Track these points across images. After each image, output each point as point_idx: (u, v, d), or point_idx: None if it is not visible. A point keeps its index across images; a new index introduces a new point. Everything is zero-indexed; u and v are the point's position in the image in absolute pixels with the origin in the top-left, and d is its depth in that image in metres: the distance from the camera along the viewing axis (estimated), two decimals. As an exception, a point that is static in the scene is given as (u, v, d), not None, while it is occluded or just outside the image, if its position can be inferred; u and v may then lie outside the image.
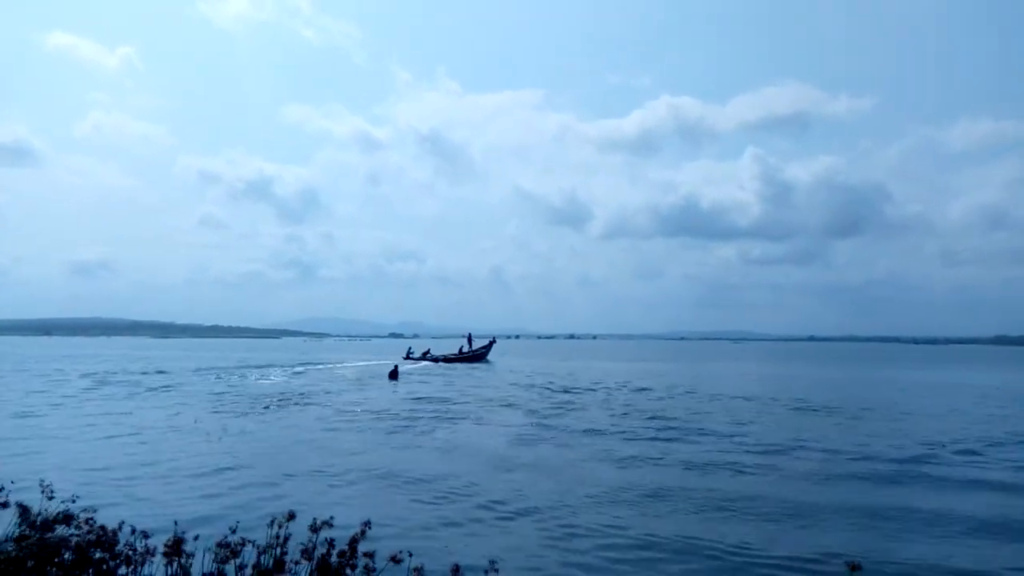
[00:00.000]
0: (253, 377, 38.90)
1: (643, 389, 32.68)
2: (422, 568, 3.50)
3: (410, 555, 3.67)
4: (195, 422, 19.60)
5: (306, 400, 25.99)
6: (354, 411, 22.43)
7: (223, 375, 40.31)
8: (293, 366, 51.12)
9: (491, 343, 67.18)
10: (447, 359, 61.57)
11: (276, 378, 38.28)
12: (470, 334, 67.52)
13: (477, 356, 64.02)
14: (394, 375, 38.31)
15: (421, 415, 21.52)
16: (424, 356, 62.60)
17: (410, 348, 67.50)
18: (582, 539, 8.80)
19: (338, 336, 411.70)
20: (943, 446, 16.23)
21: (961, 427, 19.86)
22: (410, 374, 42.69)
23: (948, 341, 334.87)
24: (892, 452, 15.38)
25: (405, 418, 20.77)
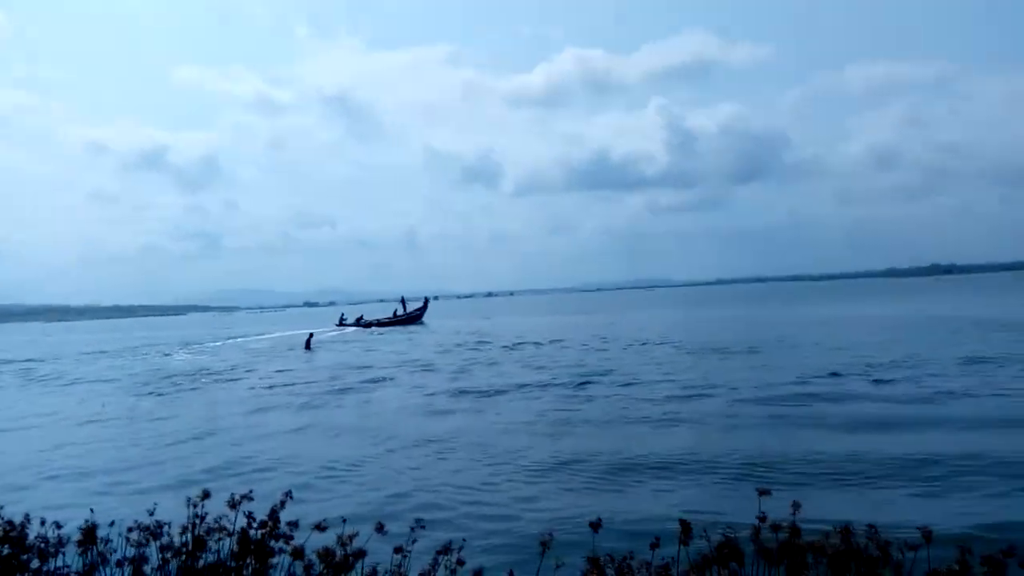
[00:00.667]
0: (154, 357, 37.40)
1: (557, 341, 33.60)
2: (356, 534, 3.56)
3: (344, 521, 3.74)
4: (103, 406, 18.85)
5: (214, 378, 25.26)
6: (266, 386, 21.96)
7: (124, 356, 38.53)
8: (201, 342, 49.39)
9: (424, 305, 67.02)
10: (380, 323, 61.37)
11: (181, 357, 36.84)
12: (403, 297, 67.06)
13: (412, 318, 63.97)
14: (308, 345, 37.66)
15: (334, 386, 21.13)
16: (358, 321, 62.25)
17: (343, 314, 66.73)
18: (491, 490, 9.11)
19: (249, 308, 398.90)
20: (834, 374, 17.53)
21: (848, 357, 21.39)
22: (328, 343, 42.06)
23: (845, 276, 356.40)
24: (782, 383, 16.54)
25: (318, 392, 20.09)
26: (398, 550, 3.54)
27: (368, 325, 60.69)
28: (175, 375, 26.72)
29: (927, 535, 3.14)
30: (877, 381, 16.30)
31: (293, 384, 21.79)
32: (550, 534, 3.45)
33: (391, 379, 21.90)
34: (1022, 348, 21.15)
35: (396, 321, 62.57)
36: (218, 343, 48.77)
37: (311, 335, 40.11)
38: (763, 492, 3.69)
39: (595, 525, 3.50)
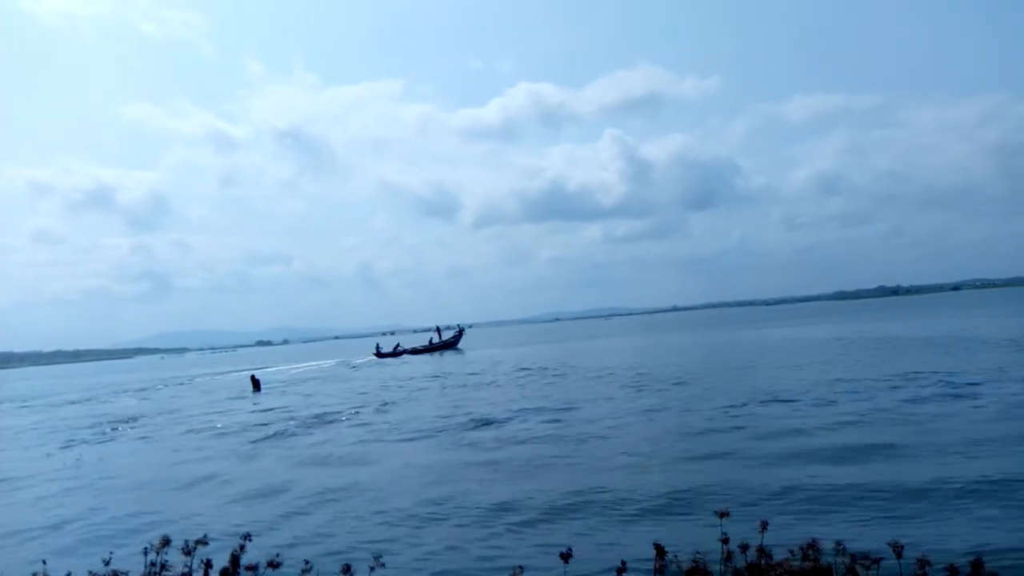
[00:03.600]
0: (95, 403, 36.08)
1: (524, 369, 33.52)
2: (310, 567, 3.46)
3: (306, 563, 3.62)
4: (47, 456, 18.05)
5: (155, 421, 24.43)
6: (209, 428, 21.29)
7: (60, 407, 37.05)
8: (143, 387, 47.90)
9: (460, 333, 71.39)
10: (416, 351, 64.94)
11: (124, 402, 35.53)
12: (438, 327, 70.30)
13: (447, 344, 68.24)
14: (256, 386, 36.19)
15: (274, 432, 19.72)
16: (395, 351, 64.95)
17: (378, 344, 69.05)
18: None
19: (200, 349, 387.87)
20: (772, 396, 17.86)
21: (794, 379, 21.83)
22: (283, 383, 41.14)
23: (795, 300, 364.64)
24: (720, 405, 16.76)
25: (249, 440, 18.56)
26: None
27: (406, 352, 64.03)
28: (134, 417, 25.80)
29: (898, 550, 3.19)
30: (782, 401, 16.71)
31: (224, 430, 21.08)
32: (520, 567, 3.40)
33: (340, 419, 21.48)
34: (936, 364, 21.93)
35: (432, 348, 66.48)
36: (165, 385, 47.32)
37: (253, 376, 38.52)
38: (723, 514, 3.72)
39: (565, 556, 3.47)
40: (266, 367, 66.94)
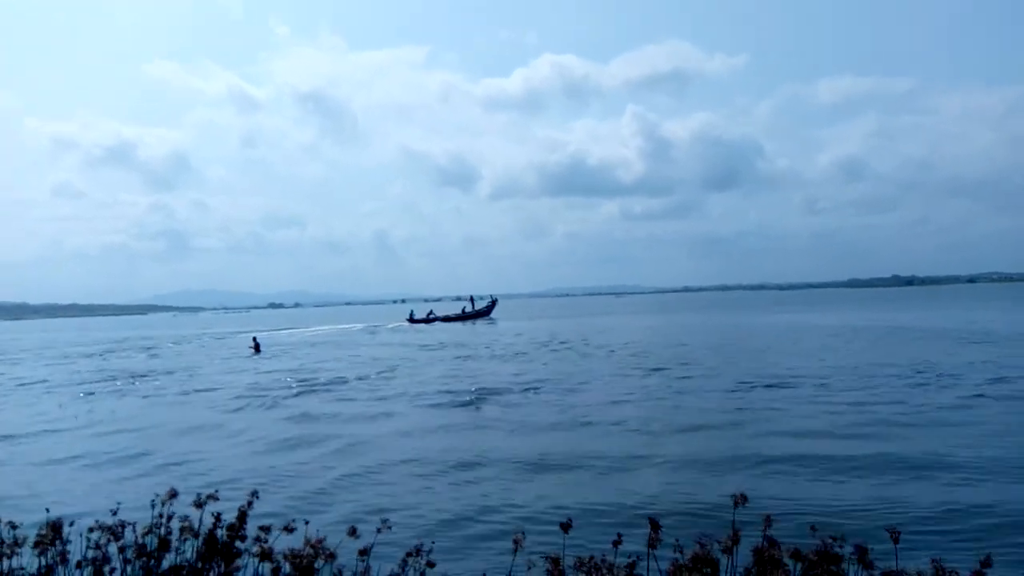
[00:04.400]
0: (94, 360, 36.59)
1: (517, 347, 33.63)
2: (324, 538, 3.51)
3: (306, 523, 3.68)
4: (60, 406, 18.39)
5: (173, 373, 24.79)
6: (225, 388, 21.56)
7: (67, 360, 37.61)
8: (157, 344, 48.51)
9: (492, 303, 73.31)
10: (448, 318, 67.03)
11: (121, 359, 35.90)
12: (471, 296, 72.90)
13: (479, 314, 70.37)
14: (257, 348, 36.39)
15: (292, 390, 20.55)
16: (428, 317, 67.32)
17: (412, 311, 71.05)
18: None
19: (214, 309, 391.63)
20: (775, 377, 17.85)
21: (795, 362, 21.79)
22: (277, 345, 41.57)
23: (808, 286, 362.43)
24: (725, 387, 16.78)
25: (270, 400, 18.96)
26: (364, 552, 3.49)
27: (439, 319, 66.29)
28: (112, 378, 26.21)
29: (895, 536, 3.20)
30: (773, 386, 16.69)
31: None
32: (522, 532, 3.44)
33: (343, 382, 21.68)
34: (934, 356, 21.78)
35: (464, 317, 68.39)
36: (184, 342, 47.91)
37: (255, 339, 38.74)
38: (739, 501, 3.70)
39: (565, 526, 3.48)
40: (283, 328, 68.01)
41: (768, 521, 3.53)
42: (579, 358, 27.09)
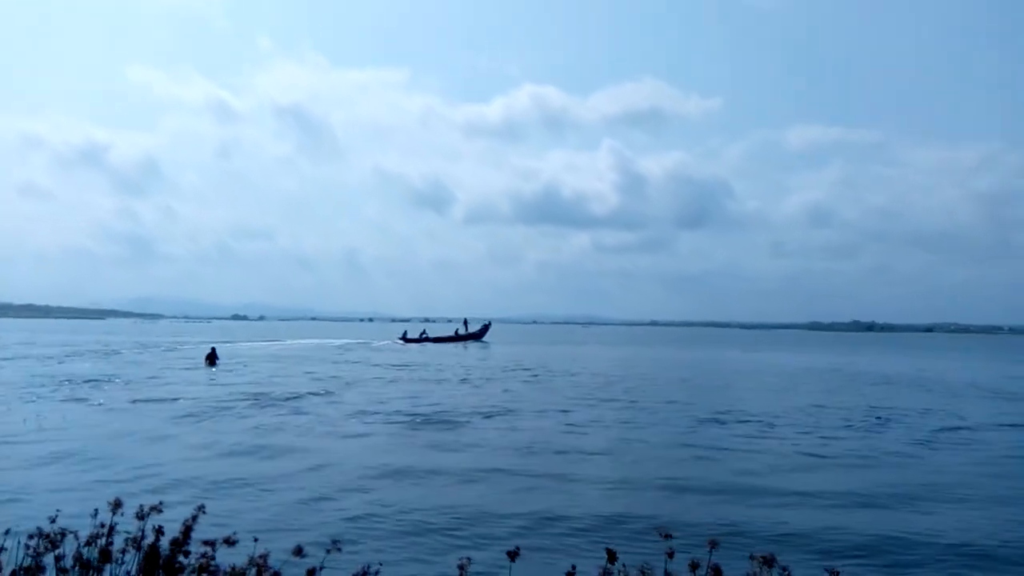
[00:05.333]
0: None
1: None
2: (267, 554, 3.48)
3: (255, 540, 3.64)
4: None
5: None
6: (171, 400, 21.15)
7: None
8: (109, 350, 47.40)
9: (486, 326, 73.80)
10: (441, 339, 67.19)
11: (63, 365, 34.76)
12: (465, 319, 73.98)
13: (473, 336, 70.50)
14: (212, 360, 34.83)
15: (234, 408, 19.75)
16: (420, 337, 66.98)
17: (405, 331, 71.37)
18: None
19: (174, 317, 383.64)
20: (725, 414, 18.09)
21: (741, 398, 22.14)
22: (238, 357, 40.89)
23: (772, 326, 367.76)
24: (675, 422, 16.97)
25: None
26: (311, 573, 3.47)
27: (431, 340, 66.36)
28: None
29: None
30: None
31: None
32: (468, 559, 3.45)
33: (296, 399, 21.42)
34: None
35: (458, 338, 68.43)
36: (136, 351, 46.85)
37: (213, 349, 37.10)
38: (665, 535, 3.76)
39: (512, 554, 3.51)
40: (257, 340, 67.16)
41: (713, 544, 3.61)
42: (553, 386, 27.13)
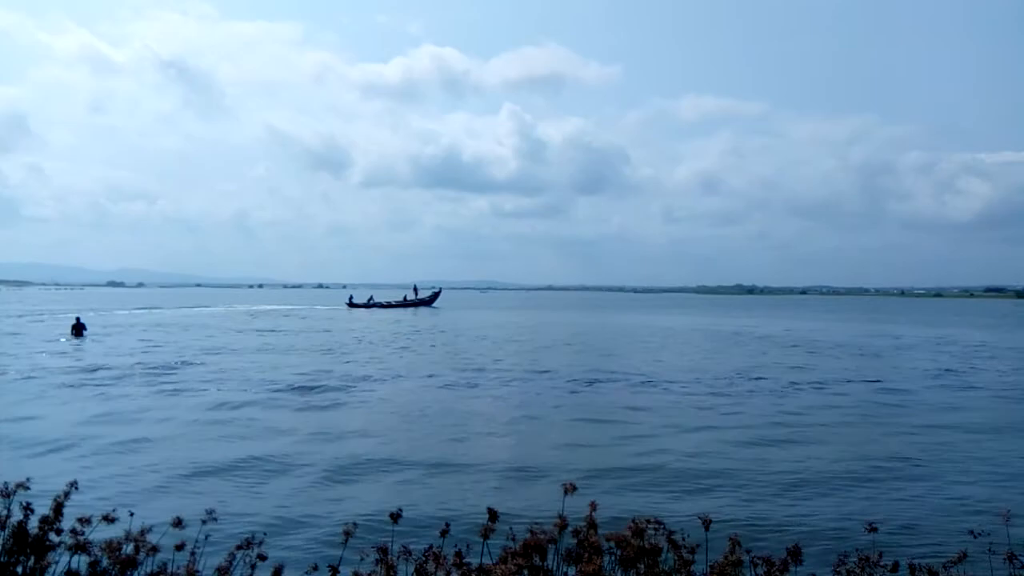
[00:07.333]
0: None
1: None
2: (149, 529, 3.41)
3: (131, 515, 3.56)
4: None
5: None
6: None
7: None
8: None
9: (436, 293, 76.44)
10: (390, 304, 69.04)
11: None
12: (415, 285, 75.71)
13: (423, 302, 72.39)
14: (79, 331, 32.51)
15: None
16: (368, 303, 68.52)
17: (351, 296, 72.75)
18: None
19: (43, 284, 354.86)
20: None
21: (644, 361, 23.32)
22: (115, 326, 38.68)
23: (662, 290, 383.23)
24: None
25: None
26: (179, 547, 3.41)
27: (380, 306, 68.08)
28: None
29: (706, 523, 3.59)
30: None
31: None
32: (354, 524, 3.53)
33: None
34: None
35: (406, 304, 70.23)
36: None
37: (78, 319, 34.25)
38: (569, 488, 3.98)
39: (395, 516, 3.61)
40: (152, 308, 63.92)
41: (593, 506, 3.85)
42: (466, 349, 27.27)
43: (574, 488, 3.91)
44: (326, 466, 9.93)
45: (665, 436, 12.28)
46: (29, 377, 18.52)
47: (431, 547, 3.36)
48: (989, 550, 3.18)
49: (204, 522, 3.50)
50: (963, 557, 3.22)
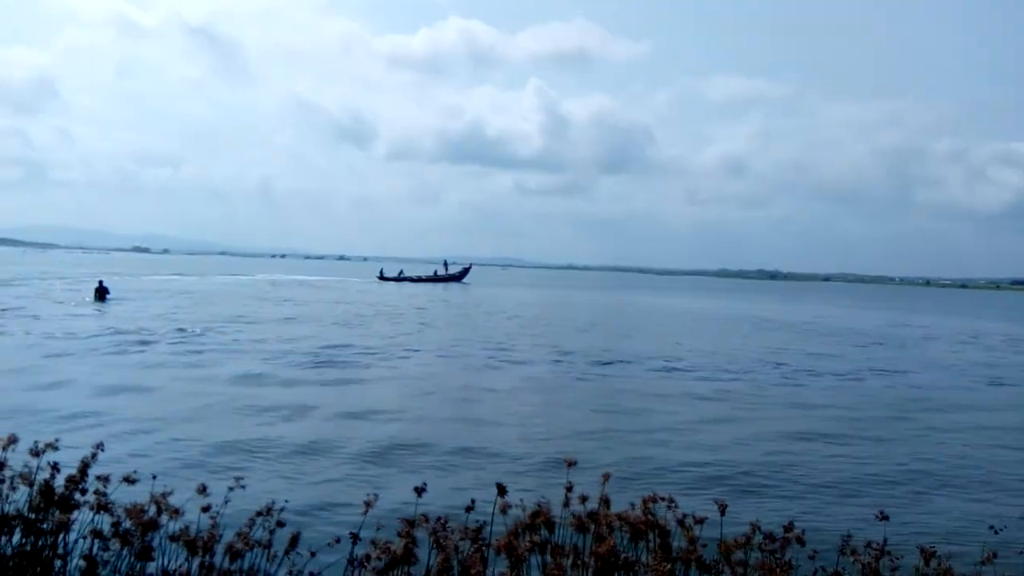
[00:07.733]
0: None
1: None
2: (171, 492, 3.45)
3: (154, 477, 3.61)
4: None
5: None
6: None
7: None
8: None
9: (467, 269, 76.63)
10: (420, 279, 70.05)
11: None
12: (445, 261, 75.77)
13: (453, 277, 73.01)
14: (101, 295, 32.55)
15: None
16: (399, 276, 70.24)
17: (382, 269, 73.60)
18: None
19: (69, 248, 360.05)
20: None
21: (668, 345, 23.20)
22: (139, 291, 39.12)
23: (683, 272, 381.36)
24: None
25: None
26: (205, 509, 3.45)
27: (410, 280, 68.99)
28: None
29: (722, 508, 3.58)
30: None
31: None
32: (375, 495, 3.55)
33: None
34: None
35: (437, 279, 70.92)
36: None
37: (101, 283, 34.30)
38: (570, 463, 3.98)
39: (419, 490, 3.64)
40: (176, 275, 65.03)
41: (606, 478, 3.84)
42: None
43: (607, 478, 3.89)
44: (353, 447, 9.66)
45: (687, 431, 12.02)
46: (50, 337, 18.75)
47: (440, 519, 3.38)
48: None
49: (231, 488, 3.53)
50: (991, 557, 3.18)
